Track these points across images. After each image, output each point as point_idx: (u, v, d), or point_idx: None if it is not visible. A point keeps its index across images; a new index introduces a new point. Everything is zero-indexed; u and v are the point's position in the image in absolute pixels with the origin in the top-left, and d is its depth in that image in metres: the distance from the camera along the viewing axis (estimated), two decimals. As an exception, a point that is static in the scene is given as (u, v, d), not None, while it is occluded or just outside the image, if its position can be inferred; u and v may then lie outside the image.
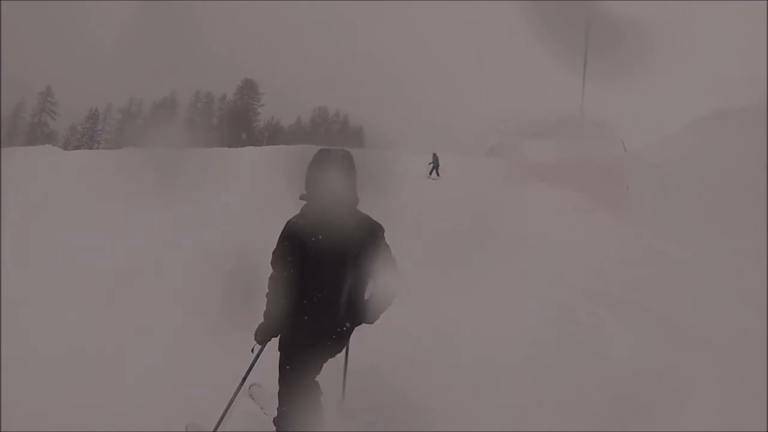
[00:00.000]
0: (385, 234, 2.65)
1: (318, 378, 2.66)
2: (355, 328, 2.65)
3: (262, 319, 2.53)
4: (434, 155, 20.92)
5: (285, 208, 2.72)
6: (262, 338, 2.57)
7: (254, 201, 10.21)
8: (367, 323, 2.62)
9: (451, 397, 3.43)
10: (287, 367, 2.55)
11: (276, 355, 2.58)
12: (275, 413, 2.68)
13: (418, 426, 3.12)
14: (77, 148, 43.84)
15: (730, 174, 8.76)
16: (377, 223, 2.64)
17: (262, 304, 2.51)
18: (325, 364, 2.64)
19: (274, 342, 2.58)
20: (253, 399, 3.23)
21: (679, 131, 13.62)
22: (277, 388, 2.62)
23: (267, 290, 2.46)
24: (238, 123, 54.26)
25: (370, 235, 2.57)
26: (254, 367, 2.71)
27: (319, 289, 2.44)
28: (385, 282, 2.57)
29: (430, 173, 20.36)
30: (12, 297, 4.46)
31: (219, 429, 2.69)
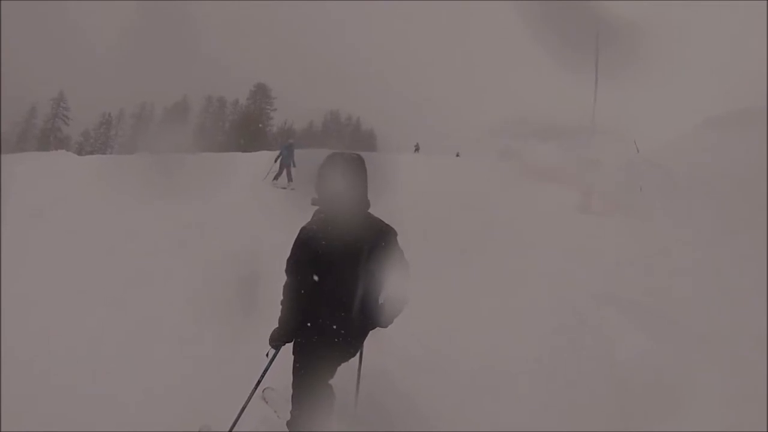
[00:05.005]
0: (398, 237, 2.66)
1: (331, 382, 2.69)
2: (369, 332, 2.68)
3: (275, 323, 2.57)
4: (289, 144, 14.39)
5: (294, 212, 2.81)
6: (276, 343, 2.61)
7: (265, 205, 10.35)
8: (381, 327, 2.65)
9: (460, 400, 3.47)
10: (301, 371, 2.59)
11: (290, 359, 2.62)
12: (288, 417, 2.71)
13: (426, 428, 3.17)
14: (91, 153, 44.30)
15: (739, 175, 8.71)
16: (390, 227, 2.64)
17: (273, 307, 2.55)
18: (338, 368, 2.67)
19: (288, 346, 2.62)
20: (267, 402, 3.27)
21: (689, 132, 13.56)
22: (291, 391, 2.66)
23: (281, 297, 2.50)
24: (251, 127, 54.54)
25: (383, 238, 2.57)
26: (268, 371, 2.74)
27: (333, 293, 2.46)
28: (398, 286, 2.59)
29: (276, 177, 13.41)
30: (18, 300, 4.51)
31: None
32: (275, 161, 13.58)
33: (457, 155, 23.52)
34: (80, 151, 45.08)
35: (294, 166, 13.55)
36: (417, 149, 31.50)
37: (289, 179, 13.41)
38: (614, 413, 3.32)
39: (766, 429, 2.97)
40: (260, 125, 55.89)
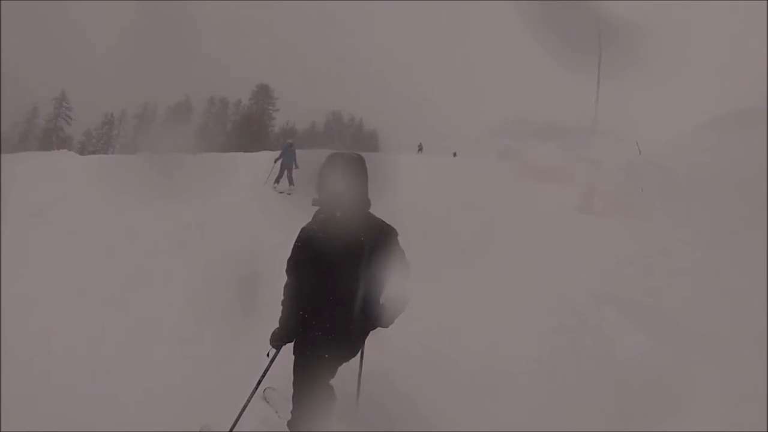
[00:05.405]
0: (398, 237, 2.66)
1: (332, 382, 2.69)
2: (370, 332, 2.67)
3: (275, 323, 2.57)
4: (288, 145, 13.45)
5: (294, 212, 2.80)
6: (277, 343, 2.61)
7: (265, 205, 10.35)
8: (382, 327, 2.64)
9: (460, 400, 3.47)
10: (302, 371, 2.59)
11: (291, 358, 2.62)
12: (289, 416, 2.72)
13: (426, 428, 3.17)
14: (93, 153, 44.32)
15: (739, 175, 8.70)
16: (390, 227, 2.64)
17: (274, 307, 2.55)
18: (339, 369, 2.66)
19: (289, 346, 2.62)
20: (268, 402, 3.28)
21: (689, 132, 13.55)
22: (292, 391, 2.66)
23: (282, 297, 2.50)
24: (252, 128, 54.62)
25: (383, 238, 2.57)
26: (269, 370, 2.74)
27: (333, 294, 2.46)
28: (399, 286, 2.58)
29: (277, 180, 12.69)
30: (18, 300, 4.54)
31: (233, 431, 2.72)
32: (275, 162, 12.86)
33: (454, 155, 23.83)
34: (82, 151, 45.11)
35: (296, 167, 12.77)
36: (420, 149, 31.18)
37: (290, 183, 12.68)
38: (614, 413, 3.32)
39: (766, 429, 2.97)
40: (262, 125, 55.99)
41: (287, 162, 12.76)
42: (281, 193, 12.41)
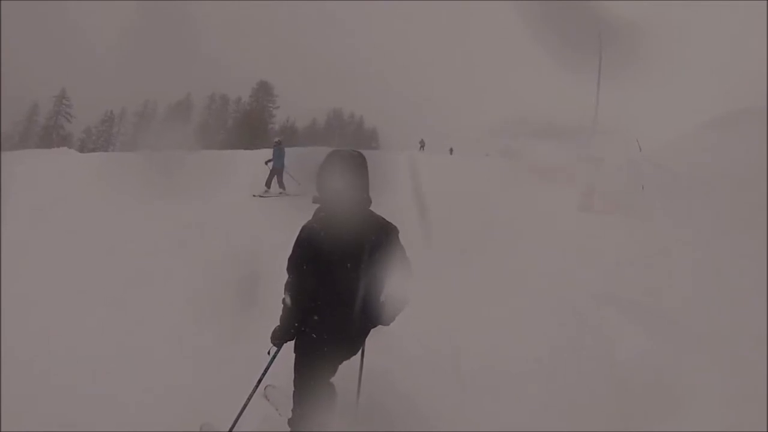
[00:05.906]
0: (399, 235, 2.65)
1: (333, 381, 2.70)
2: (371, 330, 2.67)
3: (276, 323, 2.57)
4: (276, 143, 12.69)
5: (293, 212, 2.81)
6: (278, 341, 2.61)
7: (265, 205, 10.36)
8: (383, 325, 2.64)
9: (460, 400, 3.47)
10: (302, 369, 2.59)
11: (292, 356, 2.62)
12: (290, 414, 2.72)
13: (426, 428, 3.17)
14: (93, 150, 44.29)
15: (739, 175, 8.70)
16: (391, 224, 2.64)
17: (274, 306, 2.56)
18: (339, 368, 2.67)
19: (290, 344, 2.62)
20: (268, 400, 3.28)
21: (689, 132, 13.55)
22: (292, 389, 2.66)
23: (283, 295, 2.50)
24: (253, 125, 54.62)
25: (384, 236, 2.57)
26: (270, 368, 2.75)
27: (334, 292, 2.46)
28: (400, 284, 2.58)
29: (267, 183, 12.03)
30: (18, 300, 4.54)
31: (234, 430, 2.72)
32: (266, 164, 12.25)
33: (451, 151, 24.49)
34: (82, 149, 44.99)
35: (284, 167, 12.08)
36: (422, 146, 30.42)
37: (280, 185, 12.02)
38: (614, 413, 3.32)
39: (766, 429, 2.98)
40: (263, 123, 55.99)
41: (277, 164, 12.12)
42: (264, 195, 11.72)
